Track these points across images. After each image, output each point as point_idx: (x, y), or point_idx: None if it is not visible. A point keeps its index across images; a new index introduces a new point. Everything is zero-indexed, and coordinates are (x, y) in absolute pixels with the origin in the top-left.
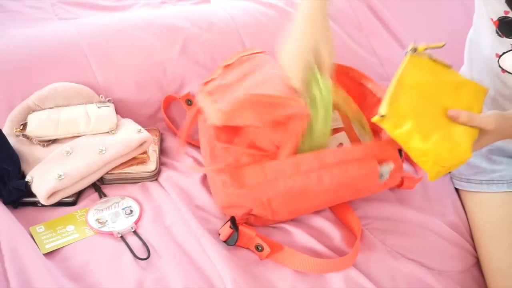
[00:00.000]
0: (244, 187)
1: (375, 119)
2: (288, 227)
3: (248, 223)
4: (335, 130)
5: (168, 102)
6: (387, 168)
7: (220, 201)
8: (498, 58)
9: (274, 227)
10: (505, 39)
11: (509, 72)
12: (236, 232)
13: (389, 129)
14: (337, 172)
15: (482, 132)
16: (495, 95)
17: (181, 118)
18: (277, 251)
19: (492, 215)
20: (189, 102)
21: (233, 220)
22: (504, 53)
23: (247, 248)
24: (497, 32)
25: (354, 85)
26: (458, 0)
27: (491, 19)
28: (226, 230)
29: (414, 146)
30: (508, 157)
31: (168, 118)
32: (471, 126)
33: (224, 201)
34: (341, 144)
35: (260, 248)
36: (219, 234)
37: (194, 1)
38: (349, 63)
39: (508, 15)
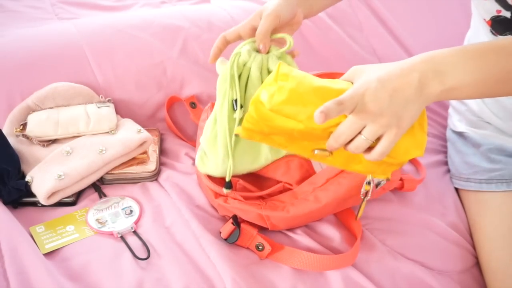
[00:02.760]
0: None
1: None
2: (287, 229)
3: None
4: None
5: (171, 102)
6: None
7: (220, 208)
8: None
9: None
10: (499, 36)
11: None
12: (238, 228)
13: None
14: (331, 187)
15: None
16: None
17: (182, 119)
18: (278, 251)
19: (491, 214)
20: (193, 105)
21: (235, 217)
22: None
23: (247, 248)
24: (491, 32)
25: None
26: (458, 0)
27: (484, 20)
28: (228, 227)
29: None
30: (507, 156)
31: (170, 118)
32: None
33: (223, 210)
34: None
35: (260, 247)
36: (220, 233)
37: (194, 1)
38: (349, 63)
39: (500, 14)
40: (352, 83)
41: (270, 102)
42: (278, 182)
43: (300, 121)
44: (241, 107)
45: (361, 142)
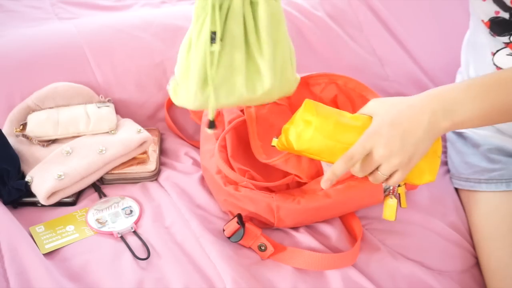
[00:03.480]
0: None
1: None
2: (289, 228)
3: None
4: None
5: (171, 102)
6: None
7: (225, 203)
8: (492, 56)
9: (275, 229)
10: (497, 37)
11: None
12: (243, 228)
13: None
14: (340, 187)
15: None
16: None
17: (182, 119)
18: (280, 251)
19: (490, 214)
20: None
21: (240, 216)
22: (497, 51)
23: (248, 248)
24: (490, 33)
25: (356, 95)
26: (458, 1)
27: (482, 21)
28: (232, 226)
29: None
30: (507, 156)
31: (170, 118)
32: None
33: (228, 204)
34: None
35: (263, 247)
36: (224, 230)
37: (194, 1)
38: (349, 63)
39: (499, 15)
40: (371, 117)
41: (297, 144)
42: (286, 175)
43: (323, 158)
44: (220, 40)
45: (378, 177)
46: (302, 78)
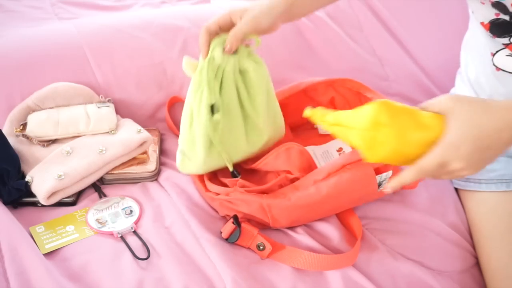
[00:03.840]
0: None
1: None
2: (287, 229)
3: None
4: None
5: (172, 103)
6: (385, 176)
7: (221, 207)
8: (492, 56)
9: (274, 230)
10: (497, 39)
11: (503, 70)
12: (239, 228)
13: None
14: (332, 179)
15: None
16: (492, 94)
17: None
18: (278, 250)
19: (490, 215)
20: None
21: (235, 217)
22: (497, 51)
23: (248, 248)
24: (489, 35)
25: (351, 94)
26: (458, 1)
27: (482, 23)
28: (229, 227)
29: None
30: (507, 156)
31: (170, 118)
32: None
33: (224, 209)
34: (340, 148)
35: (261, 247)
36: (221, 232)
37: (194, 1)
38: (349, 64)
39: (499, 17)
40: (442, 115)
41: (371, 154)
42: (277, 177)
43: (391, 162)
44: (218, 111)
45: (441, 178)
46: (300, 88)
